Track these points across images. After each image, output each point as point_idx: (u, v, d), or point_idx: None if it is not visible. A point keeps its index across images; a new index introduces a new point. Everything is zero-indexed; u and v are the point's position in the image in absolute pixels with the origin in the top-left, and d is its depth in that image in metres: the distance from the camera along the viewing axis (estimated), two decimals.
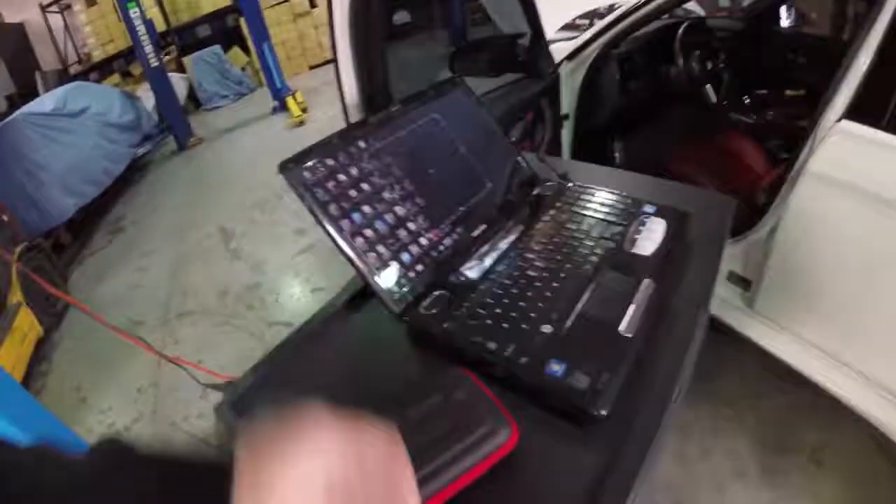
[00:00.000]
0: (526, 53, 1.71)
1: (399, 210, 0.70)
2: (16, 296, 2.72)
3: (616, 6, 1.94)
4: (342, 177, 0.67)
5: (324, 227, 0.63)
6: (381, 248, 0.66)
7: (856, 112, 1.13)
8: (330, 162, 0.67)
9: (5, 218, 3.09)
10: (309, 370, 0.67)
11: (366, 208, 0.67)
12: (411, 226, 0.70)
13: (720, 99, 2.01)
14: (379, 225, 0.67)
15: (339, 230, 0.63)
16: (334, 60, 1.13)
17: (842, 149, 1.14)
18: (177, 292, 3.12)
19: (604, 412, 0.50)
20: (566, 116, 1.91)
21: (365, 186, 0.68)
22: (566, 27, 2.17)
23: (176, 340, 2.66)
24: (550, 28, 2.07)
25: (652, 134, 2.23)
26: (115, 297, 3.28)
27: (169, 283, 3.25)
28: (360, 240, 0.65)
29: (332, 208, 0.64)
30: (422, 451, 0.40)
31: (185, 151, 5.63)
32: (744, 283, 1.50)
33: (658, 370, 0.57)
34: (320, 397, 0.31)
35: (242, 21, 6.01)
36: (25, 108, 4.15)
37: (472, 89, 0.90)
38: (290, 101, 5.48)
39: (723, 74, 2.06)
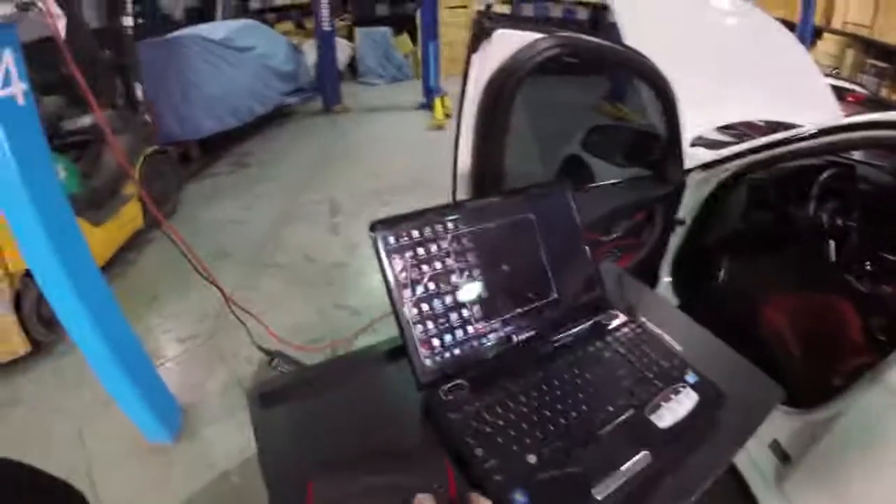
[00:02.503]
0: (659, 154, 1.71)
1: (460, 295, 0.77)
2: (132, 187, 3.04)
3: (776, 126, 1.88)
4: (421, 251, 0.75)
5: (388, 289, 0.72)
6: (429, 324, 0.74)
7: None
8: (416, 234, 0.75)
9: (148, 118, 3.43)
10: (330, 396, 0.78)
11: (431, 285, 0.75)
12: (465, 312, 0.77)
13: (840, 258, 1.91)
14: (436, 303, 0.75)
15: (400, 297, 0.72)
16: (458, 123, 1.21)
17: None
18: (271, 241, 3.39)
19: None
20: (682, 222, 1.89)
21: (437, 265, 0.76)
22: (722, 129, 2.13)
23: (254, 287, 2.90)
24: (705, 124, 2.04)
25: (759, 267, 2.15)
26: (216, 223, 3.62)
27: (268, 230, 3.53)
28: (414, 310, 0.73)
29: (403, 276, 0.73)
30: None
31: (328, 114, 6.03)
32: (784, 456, 1.44)
33: None
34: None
35: (419, 12, 6.33)
36: (198, 30, 4.55)
37: (573, 199, 0.93)
38: (437, 102, 5.67)
39: (852, 233, 1.94)
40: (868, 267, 2.11)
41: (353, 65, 7.59)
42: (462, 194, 1.29)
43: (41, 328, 2.29)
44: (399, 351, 0.81)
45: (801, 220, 1.88)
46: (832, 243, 1.88)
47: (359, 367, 0.83)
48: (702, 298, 1.95)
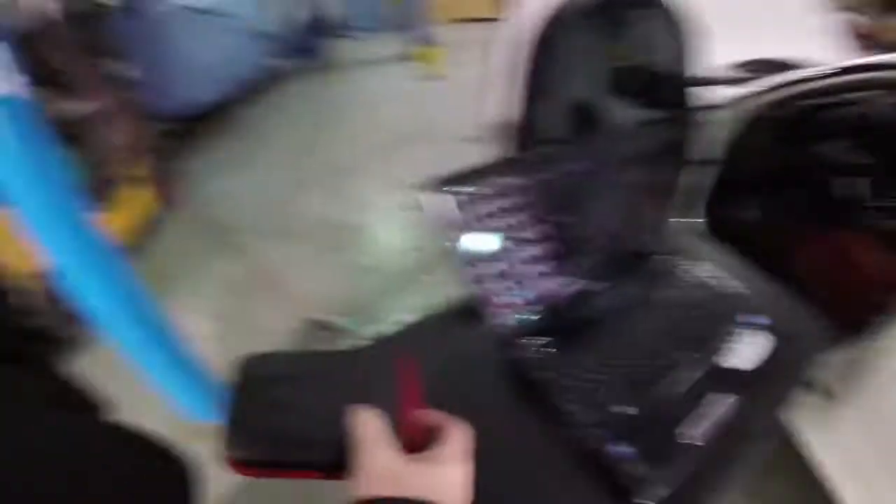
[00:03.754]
0: (678, 93, 1.67)
1: (533, 249, 0.75)
2: (141, 170, 3.02)
3: (799, 64, 1.84)
4: (491, 206, 0.73)
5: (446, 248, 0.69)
6: (506, 282, 0.72)
7: None
8: (486, 190, 0.72)
9: (147, 98, 3.35)
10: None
11: (506, 242, 0.73)
12: (540, 267, 0.76)
13: (870, 195, 1.89)
14: (512, 258, 0.73)
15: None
16: (491, 70, 1.15)
17: None
18: (282, 210, 3.35)
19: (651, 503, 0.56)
20: (708, 162, 1.87)
21: (511, 220, 0.74)
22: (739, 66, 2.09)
23: (270, 256, 2.87)
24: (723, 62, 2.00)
25: (790, 205, 2.13)
26: (225, 196, 3.57)
27: (277, 198, 3.49)
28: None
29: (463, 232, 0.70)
30: None
31: (323, 74, 5.86)
32: (827, 392, 1.46)
33: (705, 485, 0.61)
34: None
35: None
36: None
37: (623, 145, 0.91)
38: (432, 51, 5.51)
39: (882, 169, 1.92)
40: None
41: (341, 19, 7.35)
42: (491, 145, 1.26)
43: None
44: (467, 312, 0.79)
45: (832, 158, 1.85)
46: (862, 181, 1.86)
47: (426, 333, 0.81)
48: (735, 237, 1.95)
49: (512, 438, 0.62)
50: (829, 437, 1.40)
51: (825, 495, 1.35)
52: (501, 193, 0.74)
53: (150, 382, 1.83)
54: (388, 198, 3.31)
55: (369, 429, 0.45)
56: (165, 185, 3.18)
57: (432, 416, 0.49)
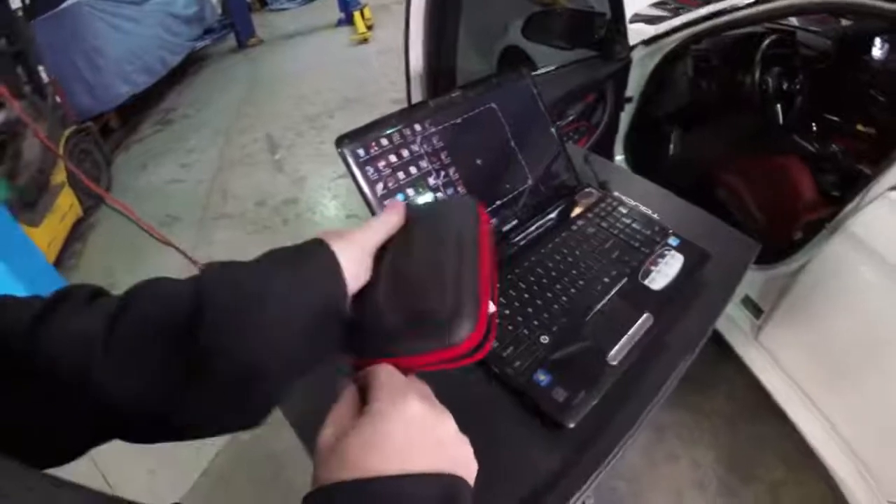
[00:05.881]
0: (602, 32, 1.67)
1: (439, 196, 0.75)
2: (60, 176, 2.85)
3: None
4: (393, 158, 0.72)
5: (368, 204, 0.69)
6: None
7: None
8: (384, 142, 0.71)
9: (58, 99, 3.17)
10: None
11: (409, 191, 0.72)
12: None
13: (787, 120, 1.96)
14: None
15: (381, 209, 0.69)
16: (406, 24, 1.14)
17: (885, 220, 1.12)
18: (216, 193, 3.24)
19: (571, 425, 0.58)
20: (630, 99, 1.89)
21: (413, 170, 0.73)
22: (657, 4, 2.10)
23: (210, 242, 2.79)
24: (640, 2, 2.01)
25: (711, 136, 2.19)
26: (155, 189, 3.42)
27: (209, 183, 3.37)
28: None
29: (379, 187, 0.69)
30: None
31: (243, 50, 5.65)
32: (756, 310, 1.53)
33: (630, 400, 0.63)
34: None
35: None
36: None
37: (535, 83, 0.90)
38: (356, 15, 5.34)
39: (797, 95, 2.00)
40: (814, 128, 2.20)
41: None
42: (417, 97, 1.24)
43: None
44: None
45: (747, 87, 1.90)
46: (779, 107, 1.92)
47: None
48: (657, 171, 2.00)
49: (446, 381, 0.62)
50: (764, 353, 1.48)
51: (771, 406, 1.42)
52: (403, 143, 0.73)
53: None
54: (321, 169, 3.25)
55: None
56: (90, 187, 3.03)
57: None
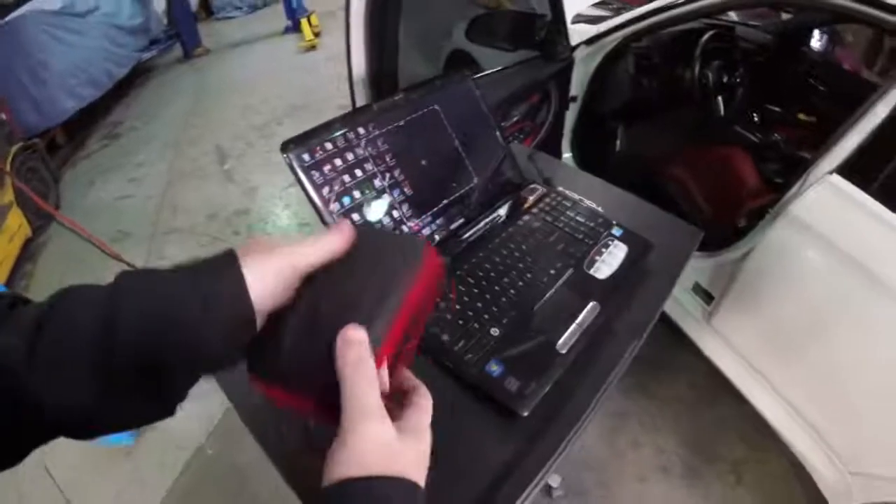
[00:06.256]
0: (543, 34, 1.71)
1: (386, 198, 0.76)
2: (7, 195, 2.74)
3: None
4: (338, 161, 0.72)
5: (315, 208, 0.69)
6: None
7: (850, 169, 1.13)
8: (329, 146, 0.71)
9: (3, 116, 3.04)
10: None
11: (356, 193, 0.72)
12: (395, 213, 0.76)
13: (729, 112, 2.04)
14: (365, 210, 0.73)
15: (328, 213, 0.69)
16: (346, 30, 1.15)
17: (826, 202, 1.16)
18: (166, 208, 3.15)
19: (525, 413, 0.59)
20: (574, 98, 1.94)
21: (358, 173, 0.73)
22: (599, 4, 2.16)
23: (161, 257, 2.72)
24: (581, 3, 2.06)
25: (655, 131, 2.26)
26: (104, 205, 3.30)
27: (160, 197, 3.27)
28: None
29: (325, 191, 0.69)
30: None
31: (190, 60, 5.52)
32: (707, 296, 1.59)
33: (582, 386, 0.65)
34: None
35: None
36: (33, 5, 3.95)
37: (476, 85, 0.92)
38: (303, 22, 5.27)
39: (737, 88, 2.08)
40: (755, 118, 2.30)
41: (205, 2, 6.87)
42: (361, 101, 1.24)
43: None
44: None
45: (688, 81, 1.98)
46: (720, 100, 2.00)
47: None
48: (604, 168, 2.04)
49: None
50: (717, 337, 1.53)
51: (730, 389, 1.48)
52: (348, 147, 0.73)
53: None
54: (272, 178, 3.22)
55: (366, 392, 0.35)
56: (40, 206, 2.90)
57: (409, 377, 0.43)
